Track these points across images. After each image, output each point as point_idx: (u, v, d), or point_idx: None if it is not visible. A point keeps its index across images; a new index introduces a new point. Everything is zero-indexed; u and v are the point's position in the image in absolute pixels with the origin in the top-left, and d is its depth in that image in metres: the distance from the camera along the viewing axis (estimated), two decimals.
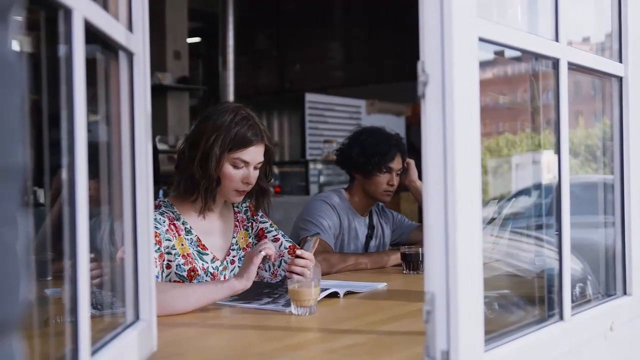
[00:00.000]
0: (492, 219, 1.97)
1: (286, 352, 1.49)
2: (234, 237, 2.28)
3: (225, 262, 2.22)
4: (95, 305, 1.32)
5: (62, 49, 0.99)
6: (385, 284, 2.31)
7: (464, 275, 1.15)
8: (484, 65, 1.25)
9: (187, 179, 2.14)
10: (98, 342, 1.14)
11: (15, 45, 0.56)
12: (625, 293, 1.76)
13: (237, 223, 2.31)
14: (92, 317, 1.04)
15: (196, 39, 10.33)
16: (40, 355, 1.10)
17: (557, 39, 1.48)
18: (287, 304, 1.87)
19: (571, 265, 1.53)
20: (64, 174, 0.98)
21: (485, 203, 1.26)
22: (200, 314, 1.85)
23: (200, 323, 1.78)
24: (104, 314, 1.40)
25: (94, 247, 1.09)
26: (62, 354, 1.01)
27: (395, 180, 2.94)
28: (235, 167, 2.13)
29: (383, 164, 2.90)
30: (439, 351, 1.15)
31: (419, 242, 2.88)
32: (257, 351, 1.49)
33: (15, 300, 0.54)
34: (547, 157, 1.88)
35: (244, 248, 2.29)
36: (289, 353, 1.48)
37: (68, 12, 0.97)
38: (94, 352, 1.07)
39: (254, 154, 2.15)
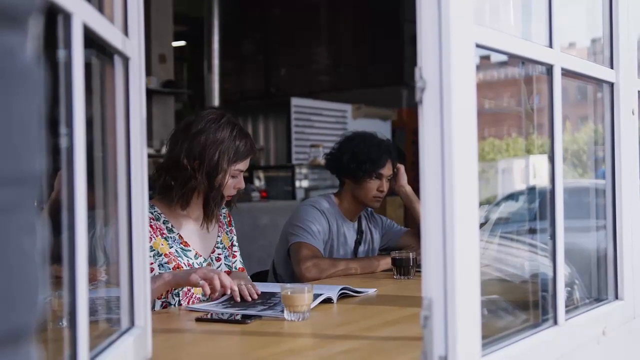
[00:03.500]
0: (481, 224, 1.98)
1: (282, 358, 1.49)
2: (218, 236, 2.37)
3: (210, 259, 2.31)
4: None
5: (60, 54, 0.98)
6: (376, 289, 2.31)
7: (462, 280, 1.15)
8: None
9: (189, 191, 2.21)
10: (94, 349, 1.13)
11: (34, 52, 0.56)
12: (617, 298, 1.77)
13: (220, 223, 2.40)
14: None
15: (181, 43, 10.31)
16: None
17: (551, 45, 1.49)
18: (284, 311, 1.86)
19: None
20: (63, 179, 0.97)
21: None
22: (194, 320, 1.84)
23: (195, 329, 1.77)
24: (97, 319, 1.39)
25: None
26: None
27: (385, 187, 2.94)
28: (233, 177, 2.25)
29: (374, 170, 2.90)
30: (437, 356, 1.15)
31: (408, 247, 2.89)
32: (253, 357, 1.49)
33: (33, 307, 0.53)
34: (534, 162, 1.89)
35: (228, 247, 2.39)
36: (285, 359, 1.48)
37: (67, 17, 0.96)
38: (91, 359, 1.06)
39: (248, 162, 2.30)
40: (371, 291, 2.28)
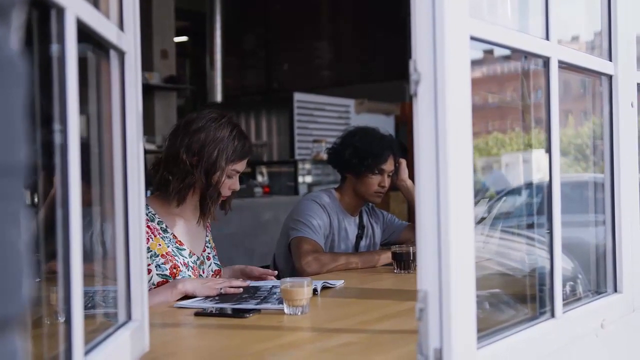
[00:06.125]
0: (482, 218, 1.98)
1: (280, 351, 1.49)
2: (207, 236, 2.41)
3: (202, 257, 2.34)
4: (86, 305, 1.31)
5: (53, 48, 0.99)
6: (343, 281, 2.33)
7: (457, 273, 1.15)
8: (472, 64, 1.25)
9: (186, 187, 2.23)
10: (90, 342, 1.14)
11: (17, 44, 0.56)
12: (615, 290, 1.77)
13: (208, 224, 2.44)
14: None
15: (183, 38, 10.31)
16: (32, 356, 1.09)
17: (547, 38, 1.48)
18: (281, 302, 1.86)
19: (562, 264, 1.54)
20: (57, 175, 0.98)
21: (475, 202, 1.26)
22: (191, 315, 1.85)
23: (192, 323, 1.77)
24: (94, 313, 1.40)
25: (83, 248, 1.09)
26: (55, 354, 1.01)
27: (387, 182, 2.94)
28: (229, 177, 2.27)
29: (375, 165, 2.89)
30: (432, 349, 1.15)
31: (409, 242, 2.89)
32: (251, 351, 1.49)
33: (18, 298, 0.54)
34: (537, 156, 1.89)
35: (214, 247, 2.44)
36: (283, 352, 1.48)
37: (60, 11, 0.96)
38: (87, 352, 1.06)
39: (245, 164, 2.32)
40: (339, 283, 2.31)
